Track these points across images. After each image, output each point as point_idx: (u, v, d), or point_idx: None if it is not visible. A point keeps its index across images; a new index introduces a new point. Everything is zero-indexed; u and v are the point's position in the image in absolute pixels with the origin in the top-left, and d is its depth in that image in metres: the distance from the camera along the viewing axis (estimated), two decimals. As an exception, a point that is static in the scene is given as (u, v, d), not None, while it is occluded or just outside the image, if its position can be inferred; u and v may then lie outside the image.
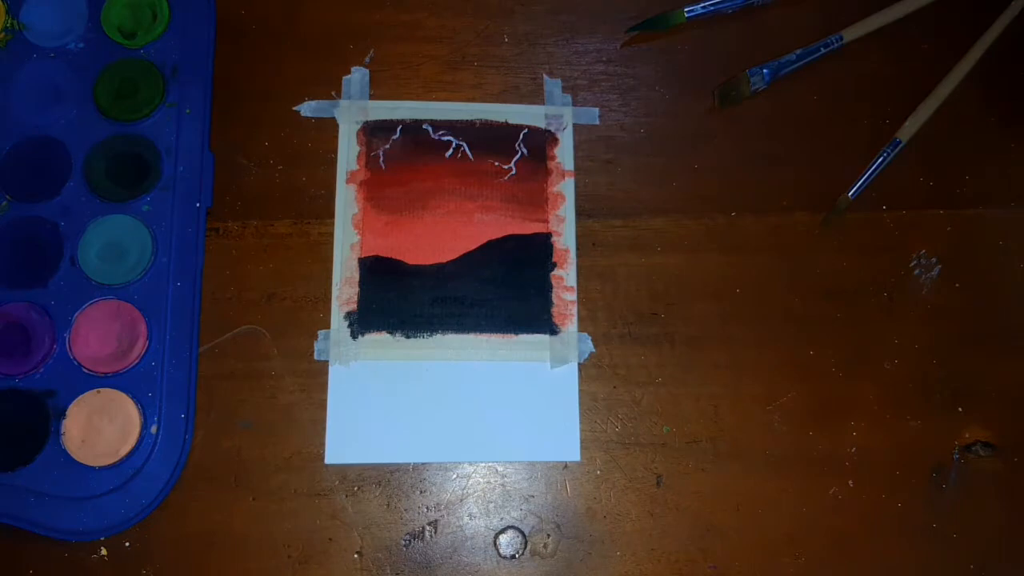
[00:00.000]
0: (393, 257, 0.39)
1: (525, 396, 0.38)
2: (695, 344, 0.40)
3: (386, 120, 0.41)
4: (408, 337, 0.39)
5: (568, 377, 0.39)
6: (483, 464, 0.38)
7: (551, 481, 0.38)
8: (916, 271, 0.41)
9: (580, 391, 0.39)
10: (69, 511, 0.35)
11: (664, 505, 0.38)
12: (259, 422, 0.37)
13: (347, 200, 0.40)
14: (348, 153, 0.41)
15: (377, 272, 0.39)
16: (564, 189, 0.41)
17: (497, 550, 0.37)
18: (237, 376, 0.38)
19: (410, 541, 0.37)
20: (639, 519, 0.38)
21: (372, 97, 0.41)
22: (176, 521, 0.36)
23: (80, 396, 0.36)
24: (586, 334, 0.39)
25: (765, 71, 0.42)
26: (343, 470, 0.37)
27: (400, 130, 0.41)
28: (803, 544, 0.38)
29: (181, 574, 0.36)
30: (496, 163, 0.41)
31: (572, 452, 0.38)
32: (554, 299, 0.39)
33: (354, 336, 0.38)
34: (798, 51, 0.43)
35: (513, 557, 0.37)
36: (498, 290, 0.39)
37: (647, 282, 0.40)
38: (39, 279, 0.37)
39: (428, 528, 0.37)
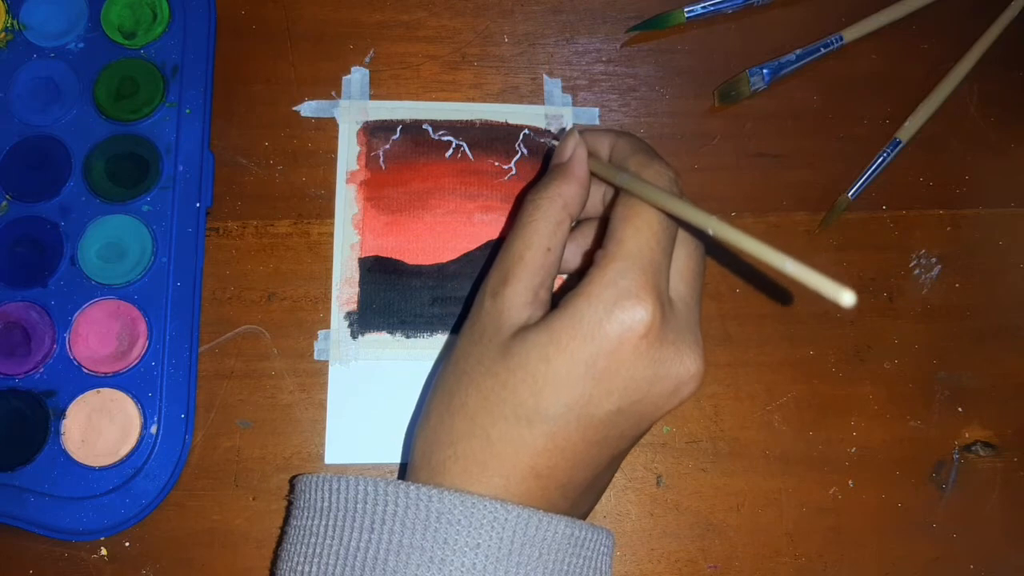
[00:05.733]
0: (393, 257, 0.39)
1: (525, 396, 0.38)
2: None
3: (386, 120, 0.41)
4: (408, 337, 0.39)
5: (568, 377, 0.39)
6: (483, 464, 0.38)
7: (551, 481, 0.38)
8: (916, 271, 0.41)
9: (580, 391, 0.38)
10: (69, 511, 0.35)
11: (664, 505, 0.38)
12: (259, 422, 0.37)
13: (347, 200, 0.40)
14: (348, 153, 0.41)
15: (377, 272, 0.39)
16: (564, 189, 0.41)
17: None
18: (237, 376, 0.38)
19: (410, 541, 0.37)
20: (639, 519, 0.38)
21: (372, 97, 0.41)
22: (176, 521, 0.36)
23: (80, 396, 0.36)
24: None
25: (765, 71, 0.42)
26: (343, 470, 0.37)
27: (400, 130, 0.41)
28: (803, 544, 0.38)
29: (181, 574, 0.36)
30: (496, 163, 0.41)
31: (572, 452, 0.38)
32: (554, 299, 0.39)
33: (354, 336, 0.38)
34: (798, 51, 0.43)
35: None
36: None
37: (647, 282, 0.40)
38: (39, 279, 0.37)
39: (428, 528, 0.37)
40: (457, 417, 0.28)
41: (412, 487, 0.27)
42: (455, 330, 0.39)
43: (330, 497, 0.28)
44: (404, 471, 0.37)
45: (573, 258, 0.34)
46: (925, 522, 0.38)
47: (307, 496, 0.30)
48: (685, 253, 0.30)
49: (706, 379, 0.38)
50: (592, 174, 0.31)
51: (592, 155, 0.32)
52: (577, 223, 0.35)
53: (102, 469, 0.35)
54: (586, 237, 0.34)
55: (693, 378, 0.28)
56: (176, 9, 0.41)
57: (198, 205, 0.39)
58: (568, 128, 0.33)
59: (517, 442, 0.27)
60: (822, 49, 0.43)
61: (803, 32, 0.43)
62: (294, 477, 0.32)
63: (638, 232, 0.27)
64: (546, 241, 0.30)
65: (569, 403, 0.27)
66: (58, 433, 0.36)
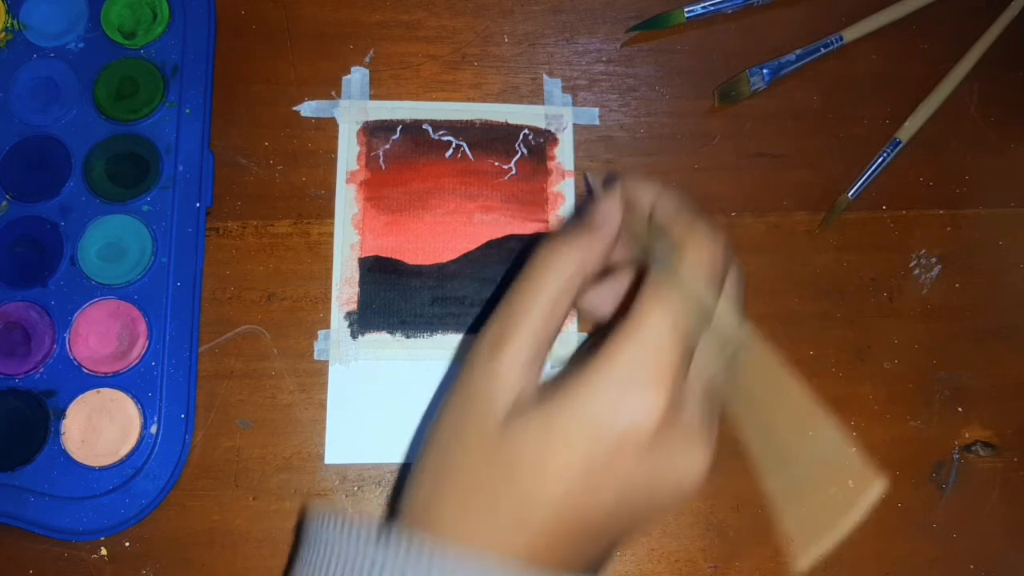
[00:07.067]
0: (393, 257, 0.39)
1: (525, 396, 0.38)
2: (695, 344, 0.39)
3: (386, 120, 0.41)
4: (408, 337, 0.39)
5: (568, 377, 0.39)
6: (483, 464, 0.38)
7: (551, 481, 0.38)
8: (916, 271, 0.41)
9: (580, 391, 0.38)
10: (69, 511, 0.35)
11: (664, 505, 0.38)
12: (259, 422, 0.37)
13: (347, 200, 0.40)
14: (348, 153, 0.41)
15: (377, 272, 0.39)
16: (564, 189, 0.41)
17: (497, 550, 0.37)
18: (237, 376, 0.38)
19: (410, 541, 0.37)
20: (639, 519, 0.37)
21: (372, 97, 0.41)
22: (176, 521, 0.36)
23: (80, 396, 0.36)
24: (586, 334, 0.39)
25: (765, 71, 0.42)
26: (343, 470, 0.37)
27: (400, 130, 0.41)
28: (803, 544, 0.38)
29: (181, 574, 0.36)
30: (496, 163, 0.41)
31: (572, 452, 0.38)
32: (554, 299, 0.39)
33: (354, 336, 0.38)
34: (798, 51, 0.43)
35: (513, 557, 0.37)
36: (498, 290, 0.39)
37: (647, 282, 0.40)
38: (39, 279, 0.37)
39: (428, 528, 0.37)
40: (451, 496, 0.27)
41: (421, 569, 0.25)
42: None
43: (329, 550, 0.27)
44: (403, 471, 0.37)
45: (603, 305, 0.31)
46: (925, 522, 0.38)
47: (314, 534, 0.28)
48: (714, 347, 0.28)
49: (706, 379, 0.39)
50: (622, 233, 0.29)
51: (630, 209, 0.30)
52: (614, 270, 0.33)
53: (102, 469, 0.35)
54: (622, 284, 0.31)
55: (693, 484, 0.27)
56: (176, 9, 0.41)
57: (198, 205, 0.39)
58: (607, 177, 0.30)
59: (514, 526, 0.26)
60: (822, 49, 0.43)
61: (803, 32, 0.43)
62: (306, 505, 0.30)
63: (661, 321, 0.25)
64: (553, 299, 0.28)
65: (569, 491, 0.26)
66: (58, 433, 0.36)
